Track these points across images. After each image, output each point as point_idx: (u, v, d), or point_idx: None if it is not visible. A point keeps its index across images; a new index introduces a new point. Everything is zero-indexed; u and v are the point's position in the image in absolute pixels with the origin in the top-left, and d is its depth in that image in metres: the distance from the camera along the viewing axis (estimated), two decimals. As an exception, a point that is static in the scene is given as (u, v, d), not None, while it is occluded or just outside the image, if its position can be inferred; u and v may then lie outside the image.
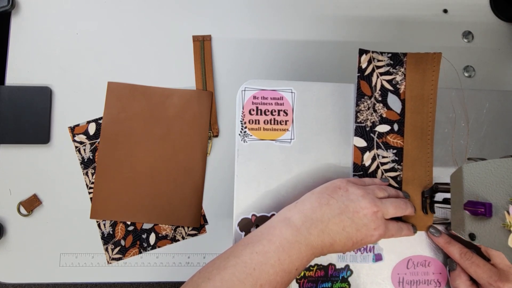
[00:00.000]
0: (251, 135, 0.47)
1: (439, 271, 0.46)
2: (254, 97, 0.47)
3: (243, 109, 0.47)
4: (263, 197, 0.46)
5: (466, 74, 0.62)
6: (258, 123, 0.47)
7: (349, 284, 0.46)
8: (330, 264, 0.46)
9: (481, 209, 0.35)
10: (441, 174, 0.47)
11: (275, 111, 0.47)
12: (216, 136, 0.59)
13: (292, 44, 0.62)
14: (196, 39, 0.61)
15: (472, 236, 0.37)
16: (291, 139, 0.47)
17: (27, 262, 0.56)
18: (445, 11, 0.63)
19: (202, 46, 0.60)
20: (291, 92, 0.47)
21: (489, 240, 0.35)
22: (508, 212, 0.33)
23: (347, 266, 0.46)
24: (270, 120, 0.47)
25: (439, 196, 0.45)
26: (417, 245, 0.47)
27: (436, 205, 0.45)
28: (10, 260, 0.56)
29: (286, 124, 0.47)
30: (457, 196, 0.39)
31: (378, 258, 0.46)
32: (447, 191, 0.42)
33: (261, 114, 0.47)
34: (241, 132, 0.47)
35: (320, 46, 0.62)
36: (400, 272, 0.46)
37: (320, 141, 0.47)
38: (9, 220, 0.57)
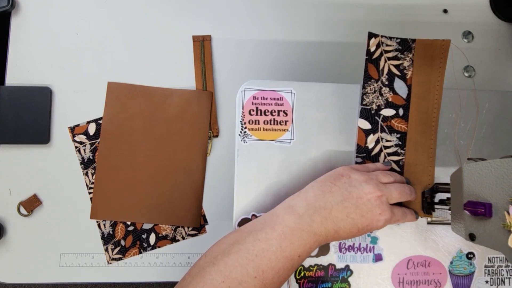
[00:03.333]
0: (251, 135, 0.47)
1: (439, 271, 0.46)
2: (254, 98, 0.47)
3: (243, 109, 0.47)
4: (263, 197, 0.46)
5: (466, 74, 0.61)
6: (258, 124, 0.47)
7: (349, 284, 0.46)
8: (330, 264, 0.46)
9: (481, 209, 0.35)
10: (441, 174, 0.47)
11: (275, 112, 0.47)
12: (216, 136, 0.59)
13: (292, 44, 0.62)
14: (196, 39, 0.61)
15: (472, 236, 0.37)
16: (291, 139, 0.47)
17: (27, 262, 0.56)
18: (445, 11, 0.63)
19: (202, 46, 0.60)
20: (291, 93, 0.47)
21: (489, 240, 0.35)
22: (508, 212, 0.33)
23: (347, 266, 0.46)
24: (270, 120, 0.47)
25: (439, 196, 0.45)
26: (417, 245, 0.47)
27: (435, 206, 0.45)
28: (10, 260, 0.56)
29: (286, 124, 0.47)
30: (457, 196, 0.39)
31: (378, 258, 0.46)
32: (448, 191, 0.42)
33: (261, 115, 0.47)
34: (241, 132, 0.47)
35: (320, 46, 0.62)
36: (400, 272, 0.46)
37: (320, 141, 0.47)
38: (9, 220, 0.57)
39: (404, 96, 0.47)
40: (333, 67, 0.61)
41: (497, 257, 0.47)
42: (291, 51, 0.61)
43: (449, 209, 0.44)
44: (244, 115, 0.47)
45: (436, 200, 0.45)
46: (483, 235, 0.36)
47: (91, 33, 0.60)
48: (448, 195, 0.42)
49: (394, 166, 0.46)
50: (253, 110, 0.47)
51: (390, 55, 0.47)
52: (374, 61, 0.47)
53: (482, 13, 0.63)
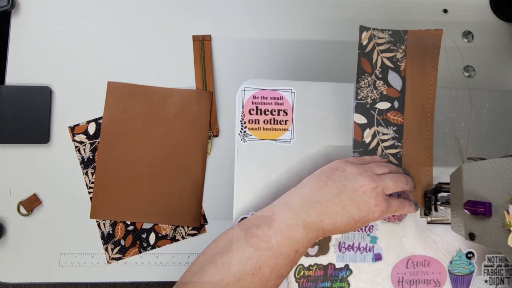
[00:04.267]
0: (251, 135, 0.47)
1: (438, 271, 0.46)
2: (254, 97, 0.47)
3: (243, 109, 0.47)
4: (263, 196, 0.46)
5: (466, 74, 0.61)
6: (258, 123, 0.47)
7: (348, 284, 0.46)
8: (330, 264, 0.46)
9: (481, 209, 0.35)
10: (441, 174, 0.47)
11: (275, 111, 0.47)
12: (216, 136, 0.59)
13: (291, 43, 0.62)
14: (196, 39, 0.61)
15: (472, 235, 0.37)
16: (291, 138, 0.47)
17: (27, 262, 0.56)
18: (445, 11, 0.63)
19: (202, 46, 0.60)
20: (291, 92, 0.47)
21: (488, 239, 0.35)
22: (508, 212, 0.33)
23: (346, 266, 0.46)
24: (270, 120, 0.47)
25: (441, 196, 0.45)
26: (417, 244, 0.47)
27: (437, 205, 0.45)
28: (10, 260, 0.56)
29: (286, 124, 0.47)
30: (457, 196, 0.39)
31: (377, 257, 0.46)
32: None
33: (261, 114, 0.47)
34: (241, 132, 0.47)
35: (319, 46, 0.62)
36: (399, 271, 0.46)
37: (320, 141, 0.47)
38: (9, 220, 0.57)
39: (399, 88, 0.47)
40: (333, 66, 0.61)
41: (496, 257, 0.47)
42: (291, 51, 0.61)
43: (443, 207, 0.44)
44: (244, 115, 0.47)
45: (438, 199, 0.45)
46: (483, 235, 0.36)
47: (91, 33, 0.60)
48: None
49: (392, 159, 0.46)
50: (253, 110, 0.47)
51: (382, 47, 0.47)
52: (367, 55, 0.47)
53: (482, 13, 0.63)
